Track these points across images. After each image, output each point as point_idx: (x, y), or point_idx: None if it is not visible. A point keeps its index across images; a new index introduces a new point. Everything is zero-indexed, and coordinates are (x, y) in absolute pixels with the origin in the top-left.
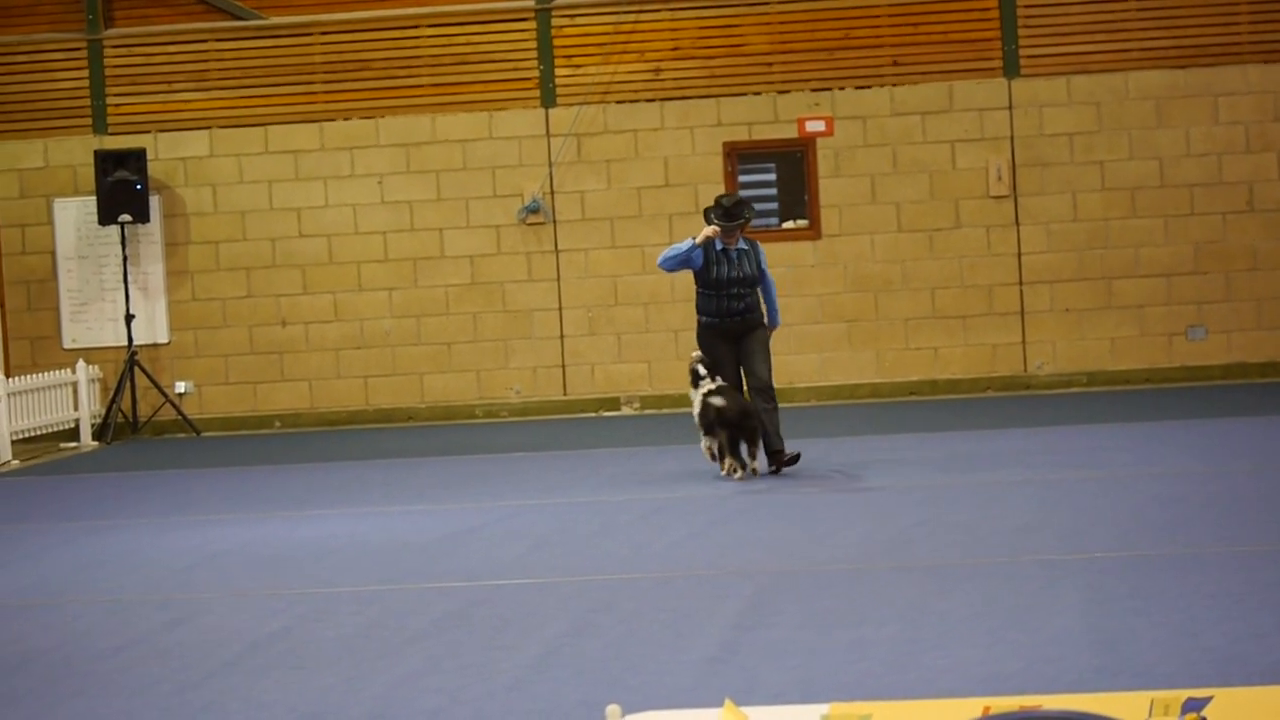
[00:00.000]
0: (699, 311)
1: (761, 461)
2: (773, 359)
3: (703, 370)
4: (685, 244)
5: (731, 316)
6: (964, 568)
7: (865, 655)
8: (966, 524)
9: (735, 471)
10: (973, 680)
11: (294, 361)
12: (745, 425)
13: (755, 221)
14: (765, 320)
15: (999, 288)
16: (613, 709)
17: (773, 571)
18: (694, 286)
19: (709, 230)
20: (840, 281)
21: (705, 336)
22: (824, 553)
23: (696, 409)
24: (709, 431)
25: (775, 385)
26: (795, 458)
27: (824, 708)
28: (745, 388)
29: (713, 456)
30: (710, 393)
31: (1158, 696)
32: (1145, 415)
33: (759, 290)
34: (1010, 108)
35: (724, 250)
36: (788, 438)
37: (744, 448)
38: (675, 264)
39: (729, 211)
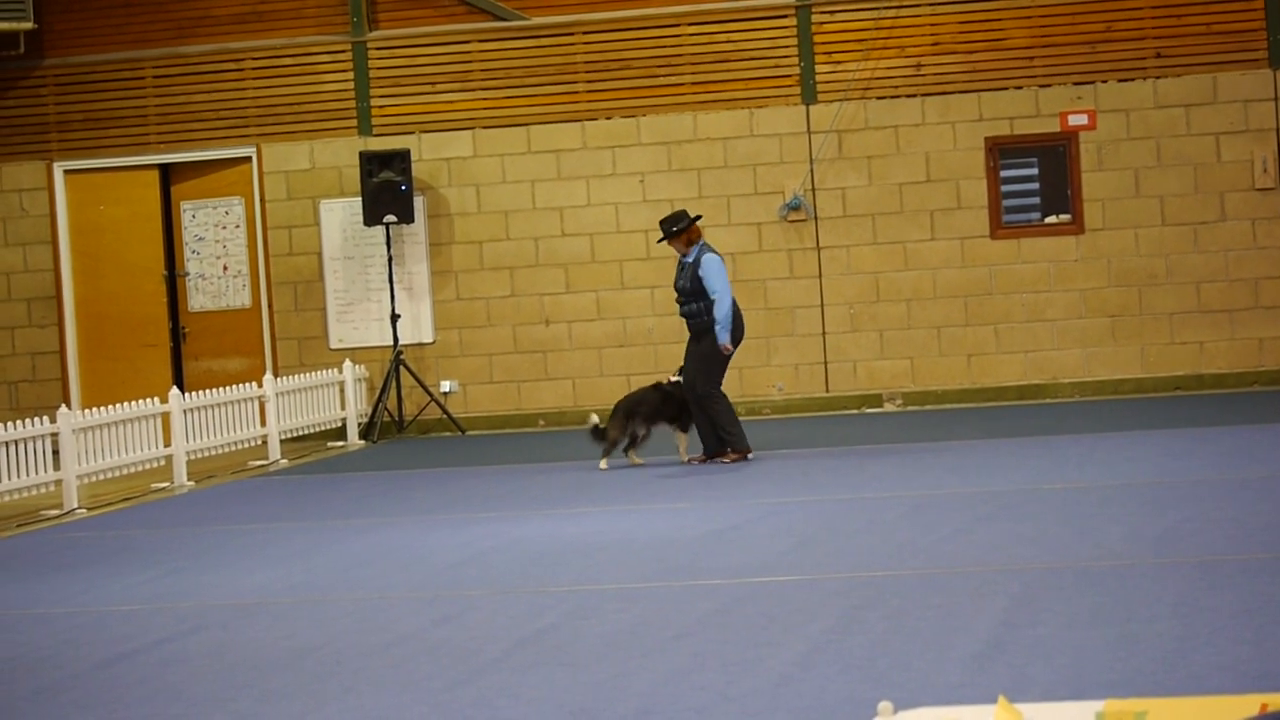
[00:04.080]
0: None
1: (696, 447)
2: (712, 365)
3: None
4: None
5: (684, 320)
6: (1234, 563)
7: (1135, 652)
8: (1235, 519)
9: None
10: (1245, 677)
11: (557, 360)
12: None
13: (1017, 217)
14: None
15: (1265, 281)
16: (884, 705)
17: (1039, 567)
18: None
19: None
20: (1104, 276)
21: None
22: (1090, 548)
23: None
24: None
25: (1027, 381)
26: (711, 459)
27: (1098, 704)
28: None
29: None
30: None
31: None
32: None
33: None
34: (1276, 99)
35: (680, 261)
36: (1057, 434)
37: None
38: None
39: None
